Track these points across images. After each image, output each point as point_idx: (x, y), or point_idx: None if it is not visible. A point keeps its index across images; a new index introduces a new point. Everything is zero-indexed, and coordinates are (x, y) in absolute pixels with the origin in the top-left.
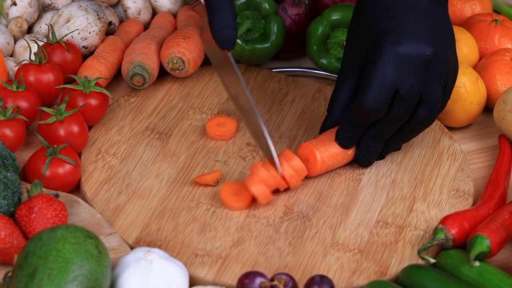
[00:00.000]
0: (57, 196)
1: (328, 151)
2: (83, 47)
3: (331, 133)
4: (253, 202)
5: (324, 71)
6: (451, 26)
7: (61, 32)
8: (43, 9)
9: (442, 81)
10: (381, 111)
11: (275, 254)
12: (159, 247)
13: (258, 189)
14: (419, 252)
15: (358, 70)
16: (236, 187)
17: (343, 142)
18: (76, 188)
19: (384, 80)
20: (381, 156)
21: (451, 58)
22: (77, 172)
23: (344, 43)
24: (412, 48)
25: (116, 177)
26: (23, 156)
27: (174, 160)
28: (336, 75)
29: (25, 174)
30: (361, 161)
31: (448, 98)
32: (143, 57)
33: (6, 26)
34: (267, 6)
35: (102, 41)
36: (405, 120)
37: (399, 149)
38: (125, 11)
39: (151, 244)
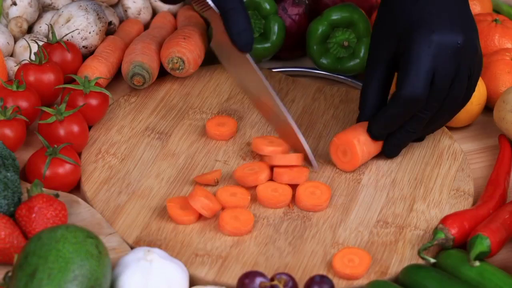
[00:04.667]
0: (57, 196)
1: (366, 145)
2: (83, 47)
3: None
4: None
5: (324, 71)
6: (474, 20)
7: (61, 32)
8: (43, 9)
9: (468, 71)
10: (421, 100)
11: (275, 254)
12: (159, 247)
13: (200, 203)
14: (419, 252)
15: (385, 63)
16: (183, 202)
17: (377, 135)
18: (76, 188)
19: (420, 69)
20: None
21: (478, 50)
22: (77, 172)
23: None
24: (445, 36)
25: (116, 177)
26: (23, 156)
27: (174, 160)
28: (335, 75)
29: (25, 174)
30: (390, 152)
31: (473, 90)
32: (143, 57)
33: (6, 26)
34: (267, 6)
35: (102, 41)
36: (436, 110)
37: (422, 139)
38: (125, 11)
39: (151, 244)
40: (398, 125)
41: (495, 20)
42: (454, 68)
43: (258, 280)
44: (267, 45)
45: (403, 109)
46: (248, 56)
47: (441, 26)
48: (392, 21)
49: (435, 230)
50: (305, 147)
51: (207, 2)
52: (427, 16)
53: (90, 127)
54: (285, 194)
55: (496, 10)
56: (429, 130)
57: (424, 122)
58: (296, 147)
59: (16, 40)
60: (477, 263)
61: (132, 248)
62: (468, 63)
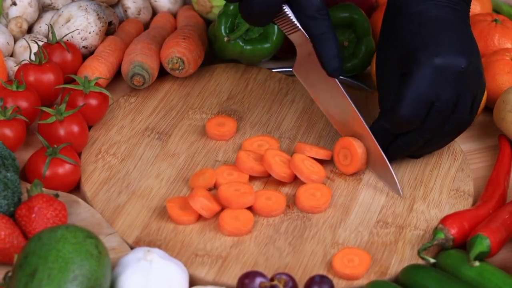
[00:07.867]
0: (57, 196)
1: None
2: (83, 47)
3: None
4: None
5: None
6: (477, 44)
7: (61, 32)
8: (43, 9)
9: (472, 95)
10: (415, 122)
11: (275, 254)
12: (159, 247)
13: (200, 203)
14: (419, 252)
15: (395, 89)
16: (182, 202)
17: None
18: (76, 188)
19: (420, 92)
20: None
21: (482, 74)
22: (77, 172)
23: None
24: (449, 60)
25: (116, 177)
26: (23, 156)
27: (174, 160)
28: None
29: (25, 174)
30: None
31: (475, 114)
32: (143, 57)
33: (6, 26)
34: None
35: (102, 41)
36: (435, 133)
37: (417, 157)
38: (125, 11)
39: (151, 244)
40: (388, 139)
41: (495, 20)
42: (456, 93)
43: (258, 280)
44: (267, 45)
45: (394, 126)
46: (336, 80)
47: (444, 50)
48: (396, 45)
49: (435, 230)
50: (392, 175)
51: (296, 25)
52: (430, 40)
53: (90, 127)
54: (279, 203)
55: (496, 10)
56: (427, 150)
57: (419, 144)
58: (381, 173)
59: (16, 40)
60: (477, 263)
61: (132, 248)
62: (471, 88)
